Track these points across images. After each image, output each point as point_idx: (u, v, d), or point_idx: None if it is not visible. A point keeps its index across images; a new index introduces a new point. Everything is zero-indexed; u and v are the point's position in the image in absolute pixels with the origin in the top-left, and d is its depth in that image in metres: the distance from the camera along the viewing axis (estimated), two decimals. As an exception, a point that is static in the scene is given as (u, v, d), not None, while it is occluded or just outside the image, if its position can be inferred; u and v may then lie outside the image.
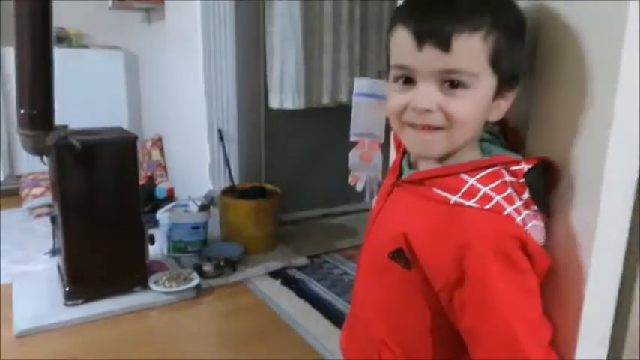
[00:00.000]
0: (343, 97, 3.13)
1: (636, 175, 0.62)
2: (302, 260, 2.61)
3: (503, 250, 0.59)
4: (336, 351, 1.79)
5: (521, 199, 0.62)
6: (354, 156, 1.18)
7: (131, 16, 3.73)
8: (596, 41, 0.60)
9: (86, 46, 3.72)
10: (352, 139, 1.17)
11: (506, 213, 0.60)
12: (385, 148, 1.08)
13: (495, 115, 0.66)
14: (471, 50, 0.60)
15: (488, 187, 0.61)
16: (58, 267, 2.24)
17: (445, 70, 0.61)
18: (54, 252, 2.35)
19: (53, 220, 2.20)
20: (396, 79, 0.65)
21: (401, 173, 0.74)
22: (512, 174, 0.62)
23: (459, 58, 0.60)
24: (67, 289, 2.05)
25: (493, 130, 0.72)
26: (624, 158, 0.60)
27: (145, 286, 2.17)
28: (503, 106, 0.66)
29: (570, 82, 0.64)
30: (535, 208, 0.63)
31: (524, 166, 0.63)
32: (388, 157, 0.99)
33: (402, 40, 0.63)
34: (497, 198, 0.61)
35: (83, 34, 3.73)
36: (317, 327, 2.01)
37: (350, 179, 1.23)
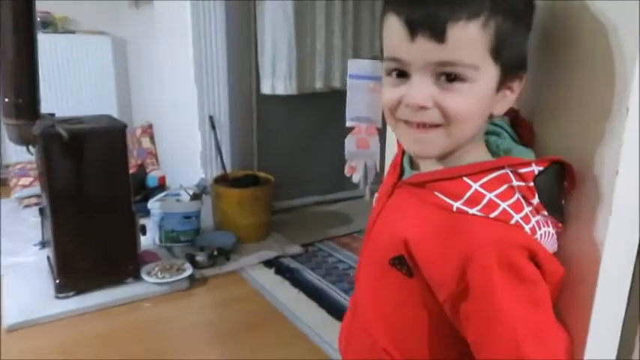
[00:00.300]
0: (336, 83, 3.08)
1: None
2: (296, 249, 2.58)
3: (509, 261, 0.55)
4: (332, 341, 1.79)
5: (530, 205, 0.57)
6: (350, 142, 1.13)
7: (118, 2, 3.64)
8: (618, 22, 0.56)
9: (72, 32, 3.62)
10: (348, 124, 1.11)
11: (513, 221, 0.56)
12: (383, 132, 1.02)
13: (500, 108, 0.61)
14: (469, 40, 0.54)
15: (493, 193, 0.57)
16: (48, 259, 2.20)
17: (440, 63, 0.55)
18: (43, 244, 2.31)
19: (42, 211, 2.16)
20: (389, 72, 0.60)
21: (402, 172, 0.69)
22: (521, 177, 0.57)
23: (455, 49, 0.54)
24: (57, 281, 2.01)
25: (503, 123, 0.67)
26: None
27: (137, 277, 2.14)
28: (510, 97, 0.61)
29: (592, 70, 0.59)
30: (545, 213, 0.58)
31: (535, 168, 0.58)
32: (385, 142, 0.95)
33: (393, 30, 0.57)
34: (504, 205, 0.56)
35: (69, 19, 3.64)
36: (312, 317, 1.99)
37: (346, 170, 1.18)
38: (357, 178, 1.17)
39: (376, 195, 0.76)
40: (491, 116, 0.62)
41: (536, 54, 0.64)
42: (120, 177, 2.08)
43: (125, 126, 2.09)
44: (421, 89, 0.56)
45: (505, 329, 0.55)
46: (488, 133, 0.66)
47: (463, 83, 0.56)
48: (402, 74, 0.58)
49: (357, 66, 1.07)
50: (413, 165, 0.68)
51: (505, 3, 0.55)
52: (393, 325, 0.68)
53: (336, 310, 2.01)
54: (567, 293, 0.62)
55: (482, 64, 0.56)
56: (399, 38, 0.56)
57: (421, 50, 0.55)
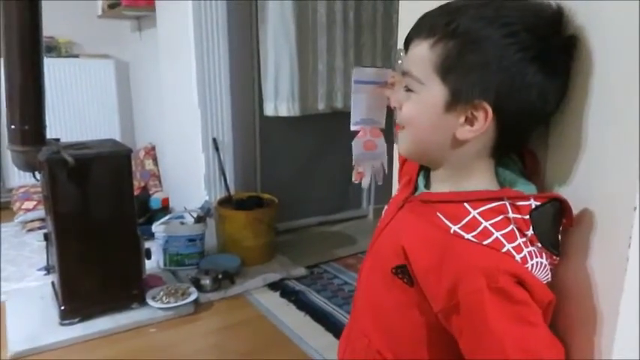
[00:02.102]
0: (339, 104, 3.10)
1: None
2: (301, 271, 2.57)
3: (497, 286, 0.57)
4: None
5: (524, 236, 0.60)
6: (357, 145, 1.13)
7: (121, 24, 3.68)
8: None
9: (76, 55, 3.66)
10: (353, 127, 1.12)
11: (504, 250, 0.59)
12: (387, 134, 1.06)
13: (463, 133, 0.63)
14: (418, 56, 0.64)
15: (489, 222, 0.60)
16: (53, 285, 2.19)
17: (402, 72, 0.68)
18: (48, 269, 2.29)
19: (46, 236, 2.15)
20: None
21: (416, 189, 0.74)
22: (518, 209, 0.60)
23: (409, 61, 0.66)
24: (62, 307, 2.00)
25: (513, 155, 0.70)
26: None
27: (142, 302, 2.13)
28: (477, 127, 0.62)
29: (599, 109, 0.60)
30: (539, 245, 0.61)
31: (533, 203, 0.61)
32: (392, 145, 0.97)
33: None
34: (497, 234, 0.60)
35: (73, 43, 3.67)
36: (318, 340, 1.97)
37: (354, 177, 1.18)
38: (366, 182, 1.16)
39: (385, 207, 0.81)
40: (459, 141, 0.64)
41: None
42: (125, 202, 2.08)
43: (130, 150, 2.09)
44: (396, 94, 0.71)
45: (494, 345, 0.58)
46: (500, 164, 0.69)
47: (412, 92, 0.66)
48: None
49: (361, 73, 1.07)
50: (427, 184, 0.73)
51: (460, 27, 0.60)
52: (390, 329, 0.71)
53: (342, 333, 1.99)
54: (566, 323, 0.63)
55: (428, 81, 0.64)
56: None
57: (401, 60, 0.69)
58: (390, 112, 1.03)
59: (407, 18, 1.05)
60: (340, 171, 3.39)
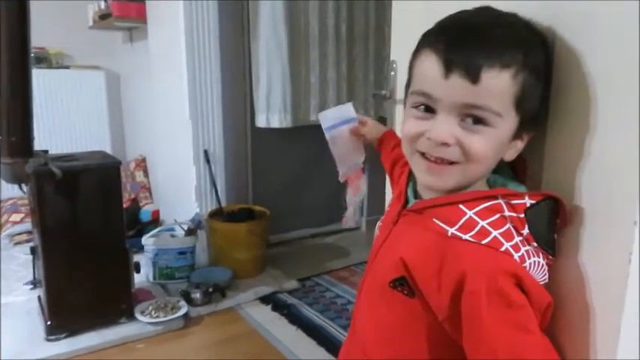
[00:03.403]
0: (331, 115, 3.08)
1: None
2: (293, 284, 2.54)
3: (496, 287, 0.57)
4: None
5: (520, 235, 0.60)
6: (348, 194, 1.14)
7: (112, 36, 3.66)
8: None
9: (67, 67, 3.63)
10: (342, 179, 1.12)
11: (503, 249, 0.59)
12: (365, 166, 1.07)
13: (510, 155, 0.65)
14: (499, 87, 0.58)
15: (486, 221, 0.60)
16: (39, 299, 2.15)
17: (469, 105, 0.59)
18: (34, 284, 2.25)
19: (33, 250, 2.11)
20: (416, 106, 0.64)
21: (407, 201, 0.73)
22: (513, 208, 0.60)
23: (486, 93, 0.58)
24: (48, 323, 1.95)
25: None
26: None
27: (131, 317, 2.08)
28: (520, 146, 0.65)
29: (592, 111, 0.60)
30: (535, 244, 0.61)
31: (528, 201, 0.61)
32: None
33: (428, 66, 0.61)
34: (495, 233, 0.59)
35: (63, 54, 3.65)
36: (311, 355, 1.94)
37: (343, 222, 1.20)
38: (352, 223, 1.18)
39: (379, 224, 0.80)
40: (500, 161, 0.65)
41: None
42: (114, 215, 2.05)
43: (119, 163, 2.06)
44: (447, 127, 0.60)
45: (487, 351, 0.58)
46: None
47: (486, 127, 0.59)
48: (429, 109, 0.62)
49: (327, 117, 1.08)
50: (416, 195, 0.72)
51: (534, 59, 0.59)
52: (391, 344, 0.70)
53: (335, 348, 1.96)
54: (563, 321, 0.60)
55: (506, 113, 0.59)
56: (433, 74, 0.60)
57: (453, 88, 0.59)
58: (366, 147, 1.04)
59: (400, 30, 1.05)
60: (332, 183, 3.36)
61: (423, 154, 0.64)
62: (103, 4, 3.21)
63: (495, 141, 0.60)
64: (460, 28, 0.61)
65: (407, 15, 0.99)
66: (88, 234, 1.99)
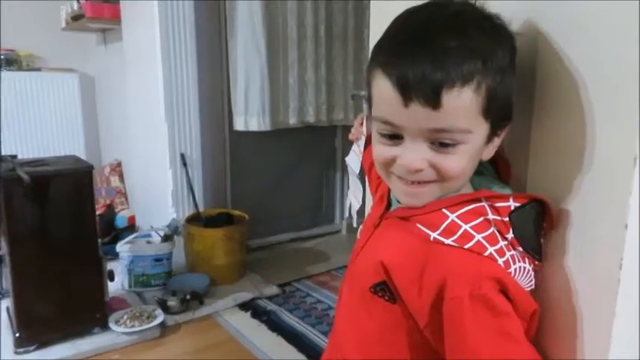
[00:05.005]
0: (310, 118, 3.05)
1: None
2: (273, 289, 2.49)
3: (480, 293, 0.55)
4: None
5: (505, 239, 0.58)
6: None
7: (86, 38, 3.57)
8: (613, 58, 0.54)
9: (38, 69, 3.53)
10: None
11: (487, 253, 0.56)
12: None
13: (488, 154, 0.62)
14: (463, 106, 0.54)
15: (469, 225, 0.58)
16: (7, 310, 2.06)
17: (435, 130, 0.56)
18: (2, 294, 2.16)
19: (0, 259, 2.03)
20: (381, 133, 0.60)
21: (389, 203, 0.71)
22: (497, 211, 0.59)
23: (450, 115, 0.54)
24: (17, 334, 1.87)
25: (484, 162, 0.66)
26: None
27: (104, 326, 2.02)
28: (497, 142, 0.62)
29: (580, 110, 0.57)
30: (520, 249, 0.59)
31: (512, 204, 0.59)
32: None
33: (384, 93, 0.56)
34: (479, 237, 0.57)
35: (34, 57, 3.53)
36: (291, 363, 1.90)
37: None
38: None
39: (361, 227, 0.77)
40: (479, 162, 0.62)
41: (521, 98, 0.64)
42: (86, 221, 1.98)
43: (91, 167, 2.00)
44: (416, 154, 0.57)
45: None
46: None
47: (457, 146, 0.57)
48: (395, 136, 0.59)
49: (352, 160, 1.06)
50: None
51: (495, 63, 0.55)
52: (371, 351, 0.67)
53: (316, 354, 1.92)
54: (550, 326, 0.58)
55: (475, 127, 0.56)
56: (391, 102, 0.56)
57: (415, 116, 0.55)
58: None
59: (378, 31, 1.02)
60: (312, 186, 3.35)
61: (400, 178, 0.61)
62: (75, 5, 3.13)
63: (469, 155, 0.58)
64: (411, 43, 0.55)
65: (385, 16, 0.96)
66: (59, 242, 1.92)
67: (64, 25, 3.30)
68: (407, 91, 0.54)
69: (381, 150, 0.61)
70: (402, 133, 0.58)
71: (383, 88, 0.57)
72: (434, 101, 0.53)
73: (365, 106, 0.95)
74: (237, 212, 2.74)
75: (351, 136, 1.06)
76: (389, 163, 0.61)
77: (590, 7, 0.56)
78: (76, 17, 3.12)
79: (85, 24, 3.09)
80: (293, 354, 1.97)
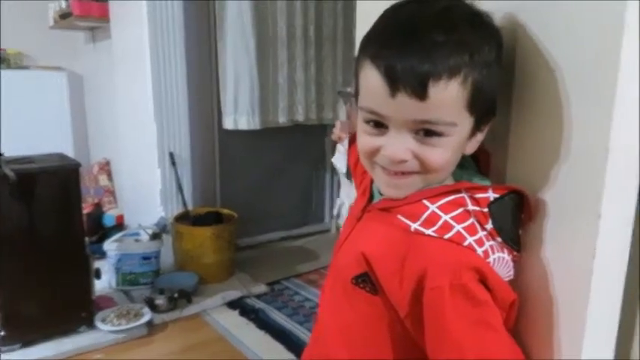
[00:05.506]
0: (300, 117, 3.06)
1: (634, 206, 0.56)
2: (261, 288, 2.49)
3: (460, 283, 0.56)
4: (301, 388, 1.68)
5: (484, 230, 0.59)
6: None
7: (74, 36, 3.55)
8: (591, 55, 0.55)
9: (26, 67, 3.50)
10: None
11: (466, 243, 0.57)
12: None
13: (471, 148, 0.63)
14: (449, 98, 0.55)
15: (449, 215, 0.59)
16: (-8, 309, 2.04)
17: (420, 121, 0.57)
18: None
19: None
20: (367, 121, 0.61)
21: (371, 196, 0.71)
22: (477, 202, 0.59)
23: (435, 107, 0.55)
24: (1, 333, 1.86)
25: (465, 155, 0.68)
26: (622, 189, 0.55)
27: (91, 325, 2.00)
28: (480, 137, 0.63)
29: (557, 102, 0.58)
30: (499, 239, 0.60)
31: (491, 195, 0.60)
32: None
33: (372, 83, 0.57)
34: (458, 227, 0.58)
35: (23, 55, 3.51)
36: (279, 361, 1.90)
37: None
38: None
39: (344, 221, 0.78)
40: (462, 155, 0.63)
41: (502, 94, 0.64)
42: (73, 219, 1.97)
43: (78, 165, 1.99)
44: (401, 144, 0.58)
45: (452, 349, 0.57)
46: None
47: (441, 138, 0.57)
48: (380, 124, 0.59)
49: (337, 159, 1.06)
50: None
51: (482, 57, 0.56)
52: (354, 344, 0.68)
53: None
54: (528, 316, 0.59)
55: (460, 120, 0.57)
56: (378, 92, 0.56)
57: (402, 107, 0.55)
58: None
59: (364, 29, 1.02)
60: (302, 185, 3.35)
61: (383, 168, 0.62)
62: (63, 3, 3.10)
63: (453, 148, 0.59)
64: (400, 35, 0.56)
65: (372, 17, 0.96)
66: (45, 240, 1.91)
67: (52, 23, 3.28)
68: (394, 82, 0.55)
69: (366, 140, 0.62)
70: (387, 123, 0.59)
71: (371, 78, 0.57)
72: (421, 92, 0.54)
73: (347, 104, 0.96)
74: (226, 211, 2.74)
75: (333, 137, 1.07)
76: (373, 153, 0.61)
77: (572, 3, 0.56)
78: (64, 15, 3.10)
79: (74, 22, 3.07)
80: (281, 351, 1.97)
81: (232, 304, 2.34)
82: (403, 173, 0.61)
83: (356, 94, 0.64)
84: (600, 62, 0.53)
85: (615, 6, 0.51)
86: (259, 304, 2.35)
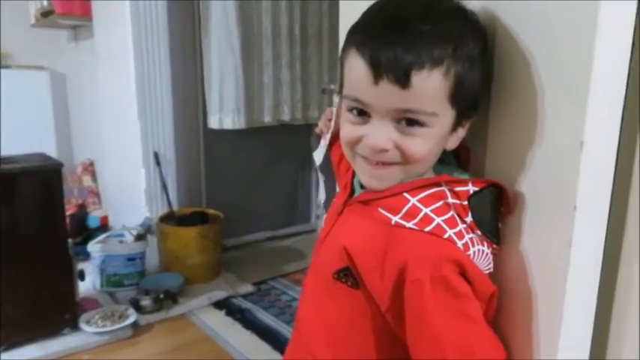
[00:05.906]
0: (285, 116, 3.06)
1: (609, 198, 0.57)
2: (248, 288, 2.49)
3: (440, 275, 0.56)
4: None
5: (464, 222, 0.60)
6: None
7: (56, 34, 3.51)
8: (565, 50, 0.56)
9: (8, 67, 3.45)
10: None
11: (446, 236, 0.58)
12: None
13: (452, 144, 0.64)
14: (431, 88, 0.56)
15: (429, 208, 0.59)
16: (-26, 311, 2.01)
17: (402, 110, 0.58)
18: (-32, 295, 2.11)
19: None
20: (350, 109, 0.62)
21: (352, 191, 0.71)
22: (457, 195, 0.60)
23: (417, 97, 0.56)
24: (-17, 336, 1.83)
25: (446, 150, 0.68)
26: (597, 181, 0.56)
27: (75, 327, 1.99)
28: (461, 133, 0.64)
29: (534, 97, 0.59)
30: (479, 232, 0.60)
31: (471, 188, 0.61)
32: None
33: (356, 71, 0.58)
34: (438, 220, 0.58)
35: (4, 54, 3.46)
36: (266, 360, 1.90)
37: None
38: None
39: (325, 215, 0.78)
40: (443, 150, 0.64)
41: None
42: (56, 220, 1.95)
43: (61, 165, 1.97)
44: (383, 133, 0.59)
45: (432, 342, 0.57)
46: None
47: (422, 128, 0.58)
48: (363, 112, 0.60)
49: (317, 153, 1.05)
50: (362, 185, 0.70)
51: (466, 50, 0.57)
52: (336, 340, 0.68)
53: (290, 352, 1.92)
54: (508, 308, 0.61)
55: (441, 111, 0.58)
56: (362, 80, 0.57)
57: (384, 94, 0.56)
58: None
59: (347, 27, 1.03)
60: (288, 185, 3.35)
61: (364, 158, 0.62)
62: (45, 2, 3.07)
63: (434, 139, 0.60)
64: (386, 25, 0.58)
65: (354, 13, 0.97)
66: (27, 241, 1.89)
67: (33, 21, 3.24)
68: (378, 70, 0.56)
69: (349, 129, 0.63)
70: (370, 111, 0.59)
71: (356, 66, 0.58)
72: (403, 81, 0.55)
73: (335, 100, 0.96)
74: (211, 211, 2.73)
75: (317, 130, 1.06)
76: (355, 142, 0.62)
77: (549, 3, 0.57)
78: (46, 13, 3.06)
79: (55, 20, 3.03)
80: (267, 351, 1.97)
81: (218, 305, 2.33)
82: (384, 163, 0.61)
83: (341, 84, 0.64)
84: (575, 59, 0.55)
85: (589, 6, 0.53)
86: (246, 304, 2.35)
